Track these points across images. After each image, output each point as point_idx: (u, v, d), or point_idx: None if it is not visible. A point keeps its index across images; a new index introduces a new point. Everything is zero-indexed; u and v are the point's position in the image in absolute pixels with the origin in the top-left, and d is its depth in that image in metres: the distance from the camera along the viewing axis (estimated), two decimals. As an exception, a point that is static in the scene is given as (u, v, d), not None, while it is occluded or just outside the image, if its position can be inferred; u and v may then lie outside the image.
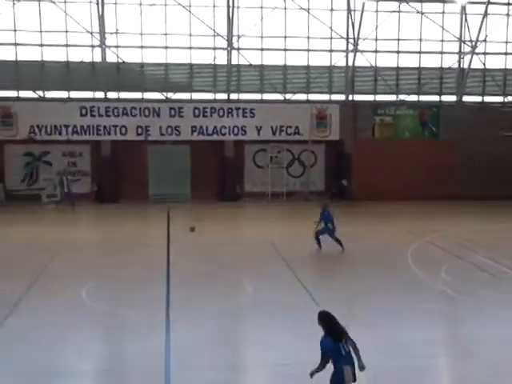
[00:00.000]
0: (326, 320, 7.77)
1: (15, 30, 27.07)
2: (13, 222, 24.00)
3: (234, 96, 28.89)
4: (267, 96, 29.29)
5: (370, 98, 30.10)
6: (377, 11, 29.18)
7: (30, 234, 20.99)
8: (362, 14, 28.50)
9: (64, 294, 13.63)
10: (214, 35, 28.32)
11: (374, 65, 29.63)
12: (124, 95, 28.17)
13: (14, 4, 26.67)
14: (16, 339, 10.95)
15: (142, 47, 28.13)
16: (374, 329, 11.28)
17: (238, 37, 28.42)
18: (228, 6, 27.89)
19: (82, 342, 10.90)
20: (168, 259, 16.72)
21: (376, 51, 29.59)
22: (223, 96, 28.73)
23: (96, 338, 11.47)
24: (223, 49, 28.39)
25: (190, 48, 28.41)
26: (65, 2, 27.08)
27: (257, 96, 29.27)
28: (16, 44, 27.26)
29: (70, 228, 22.14)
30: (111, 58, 27.85)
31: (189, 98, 28.64)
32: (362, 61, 29.50)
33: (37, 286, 14.26)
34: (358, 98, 29.94)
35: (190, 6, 27.93)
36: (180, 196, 28.69)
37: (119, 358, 10.38)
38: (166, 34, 28.15)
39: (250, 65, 28.88)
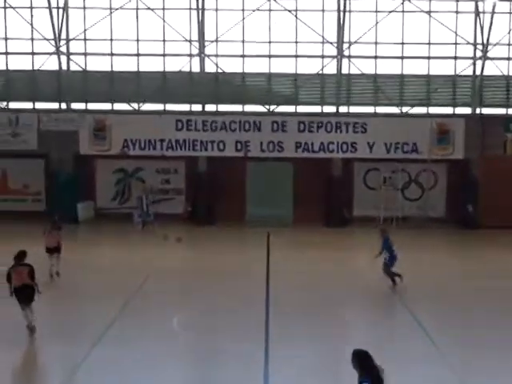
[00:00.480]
0: (364, 360, 7.38)
1: (111, 40, 28.27)
2: (102, 242, 24.93)
3: (343, 109, 28.68)
4: (381, 109, 28.83)
5: (501, 111, 28.92)
6: (511, 13, 28.12)
7: (120, 257, 21.67)
8: (492, 17, 27.55)
9: (156, 321, 13.88)
10: (323, 42, 28.32)
11: (506, 73, 28.48)
12: (223, 108, 28.69)
13: (111, 13, 27.92)
14: (108, 365, 11.22)
15: (243, 56, 28.57)
16: None
17: (350, 43, 28.25)
18: (338, 11, 27.83)
19: (174, 372, 10.98)
20: (267, 289, 16.65)
21: (509, 58, 28.46)
22: (331, 109, 28.59)
23: (191, 368, 11.55)
24: (332, 57, 28.31)
25: (296, 56, 28.54)
26: (163, 9, 28.05)
27: (369, 109, 28.90)
28: (112, 54, 28.45)
29: (162, 251, 22.58)
30: (210, 67, 28.50)
31: (293, 110, 28.72)
32: (492, 69, 28.44)
33: (127, 312, 14.60)
34: (486, 111, 28.84)
35: (296, 11, 28.10)
36: (280, 219, 28.67)
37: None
38: (269, 42, 28.44)
39: (362, 74, 28.58)
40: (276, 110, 28.69)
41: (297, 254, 21.82)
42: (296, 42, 28.42)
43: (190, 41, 28.16)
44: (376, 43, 28.42)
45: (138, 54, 28.53)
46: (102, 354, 12.04)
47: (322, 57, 28.52)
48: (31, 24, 27.85)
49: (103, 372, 11.24)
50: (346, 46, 28.18)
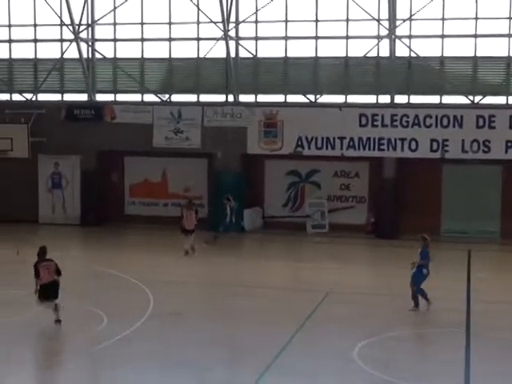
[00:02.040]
0: None
1: (286, 21, 28.87)
2: (271, 254, 25.67)
3: None
4: None
5: None
6: None
7: (293, 273, 22.16)
8: None
9: (332, 351, 14.10)
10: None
11: None
12: (416, 99, 28.38)
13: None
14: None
15: (442, 36, 28.02)
16: None
17: None
18: None
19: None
20: (467, 318, 16.31)
21: None
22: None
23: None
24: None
25: (509, 36, 27.52)
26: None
27: None
28: (286, 38, 29.07)
29: (338, 267, 22.77)
30: (401, 51, 28.30)
31: (504, 102, 27.75)
32: None
33: (300, 338, 14.95)
34: None
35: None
36: (484, 234, 27.82)
37: None
38: (475, 19, 27.66)
39: None
40: (482, 102, 27.92)
41: (506, 279, 21.09)
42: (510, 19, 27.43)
43: (379, 20, 28.10)
44: None
45: (316, 37, 28.93)
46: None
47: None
48: (197, 6, 29.19)
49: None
50: None
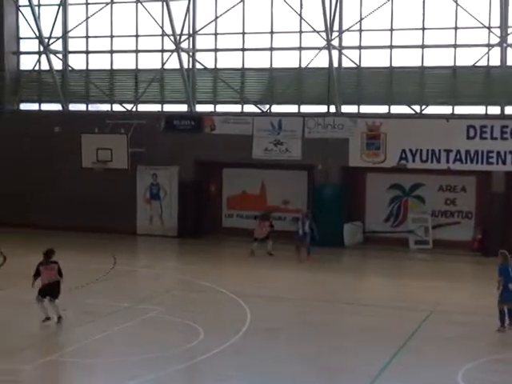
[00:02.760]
0: None
1: (391, 30, 28.70)
2: (372, 271, 25.64)
3: None
4: None
5: None
6: None
7: (393, 289, 21.97)
8: None
9: (434, 374, 13.91)
10: None
11: None
12: (527, 110, 27.72)
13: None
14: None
15: (557, 44, 27.30)
16: None
17: None
18: None
19: None
20: None
21: None
22: None
23: None
24: None
25: None
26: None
27: None
28: (391, 47, 28.85)
29: (442, 285, 22.42)
30: (512, 60, 27.75)
31: None
32: None
33: (400, 358, 14.81)
34: None
35: None
36: None
37: None
38: None
39: None
40: None
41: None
42: None
43: (489, 27, 27.59)
44: None
45: (422, 46, 28.63)
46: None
47: None
48: (300, 15, 29.35)
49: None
50: None
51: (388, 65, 29.14)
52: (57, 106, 33.16)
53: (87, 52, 32.83)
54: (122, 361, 14.47)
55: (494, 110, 28.00)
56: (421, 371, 14.15)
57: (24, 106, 33.98)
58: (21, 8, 32.84)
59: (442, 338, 16.27)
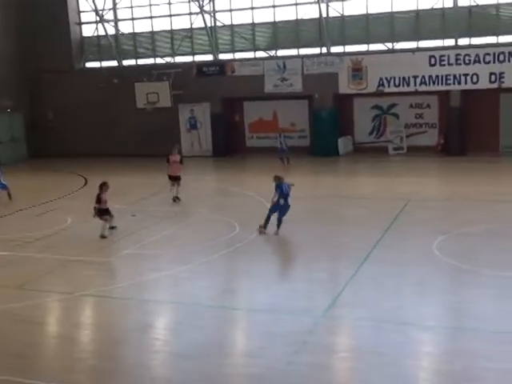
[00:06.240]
0: None
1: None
2: (361, 172, 25.57)
3: None
4: None
5: None
6: None
7: (378, 185, 21.90)
8: None
9: (414, 245, 13.94)
10: None
11: None
12: (476, 41, 26.85)
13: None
14: (370, 285, 11.64)
15: (498, -14, 26.22)
16: None
17: None
18: None
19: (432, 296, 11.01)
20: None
21: None
22: None
23: (444, 293, 11.47)
24: None
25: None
26: None
27: None
28: (343, 0, 28.04)
29: (416, 179, 22.31)
30: (463, 1, 26.71)
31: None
32: None
33: (389, 235, 14.83)
34: None
35: None
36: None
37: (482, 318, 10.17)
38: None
39: None
40: (533, 39, 26.10)
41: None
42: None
43: (442, -23, 26.55)
44: None
45: (390, -5, 27.73)
46: (367, 273, 12.44)
47: None
48: (294, -23, 28.43)
49: (369, 287, 11.68)
50: None
51: (365, 12, 28.26)
52: (113, 63, 32.62)
53: (132, 19, 32.04)
54: (179, 250, 14.62)
55: (450, 42, 27.21)
56: (403, 245, 14.20)
57: (88, 65, 33.44)
58: (79, -12, 32.07)
59: (418, 220, 16.25)
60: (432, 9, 27.12)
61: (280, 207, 15.51)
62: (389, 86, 27.69)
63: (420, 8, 27.47)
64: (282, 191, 15.47)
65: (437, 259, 12.89)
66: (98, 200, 16.12)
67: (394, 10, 27.84)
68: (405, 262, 13.04)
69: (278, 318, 10.39)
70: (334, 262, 13.76)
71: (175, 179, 19.86)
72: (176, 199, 19.78)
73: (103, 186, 16.32)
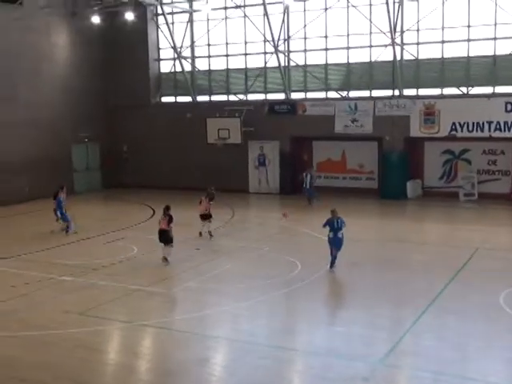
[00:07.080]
0: None
1: (443, 28, 27.55)
2: (430, 217, 24.99)
3: None
4: None
5: None
6: None
7: (447, 231, 21.44)
8: None
9: (479, 296, 13.52)
10: None
11: None
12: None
13: (443, 3, 27.27)
14: (432, 335, 11.34)
15: None
16: None
17: None
18: None
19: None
20: None
21: None
22: None
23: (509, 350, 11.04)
24: None
25: None
26: (495, -7, 26.42)
27: None
28: (443, 42, 27.77)
29: (486, 228, 21.68)
30: (540, 49, 26.17)
31: None
32: None
33: (453, 285, 14.45)
34: None
35: None
36: None
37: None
38: None
39: None
40: None
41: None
42: None
43: (522, 22, 26.08)
44: None
45: (468, 40, 27.39)
46: (429, 322, 12.14)
47: None
48: (370, 19, 28.60)
49: (430, 337, 11.37)
50: None
51: (440, 56, 28.04)
52: (188, 98, 33.54)
53: (209, 56, 32.96)
54: (240, 286, 14.71)
55: (528, 88, 26.64)
56: (469, 295, 13.80)
57: (164, 99, 34.52)
58: (160, 26, 33.39)
59: (486, 270, 15.77)
60: (510, 54, 26.62)
61: (330, 240, 15.74)
62: (462, 131, 27.20)
63: (497, 53, 27.04)
64: (333, 226, 15.63)
65: (502, 312, 12.44)
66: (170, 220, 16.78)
67: (471, 54, 27.54)
68: (469, 313, 12.66)
69: (334, 363, 10.26)
70: (395, 308, 13.49)
71: (203, 218, 20.34)
72: (207, 234, 20.07)
73: (166, 211, 17.08)
